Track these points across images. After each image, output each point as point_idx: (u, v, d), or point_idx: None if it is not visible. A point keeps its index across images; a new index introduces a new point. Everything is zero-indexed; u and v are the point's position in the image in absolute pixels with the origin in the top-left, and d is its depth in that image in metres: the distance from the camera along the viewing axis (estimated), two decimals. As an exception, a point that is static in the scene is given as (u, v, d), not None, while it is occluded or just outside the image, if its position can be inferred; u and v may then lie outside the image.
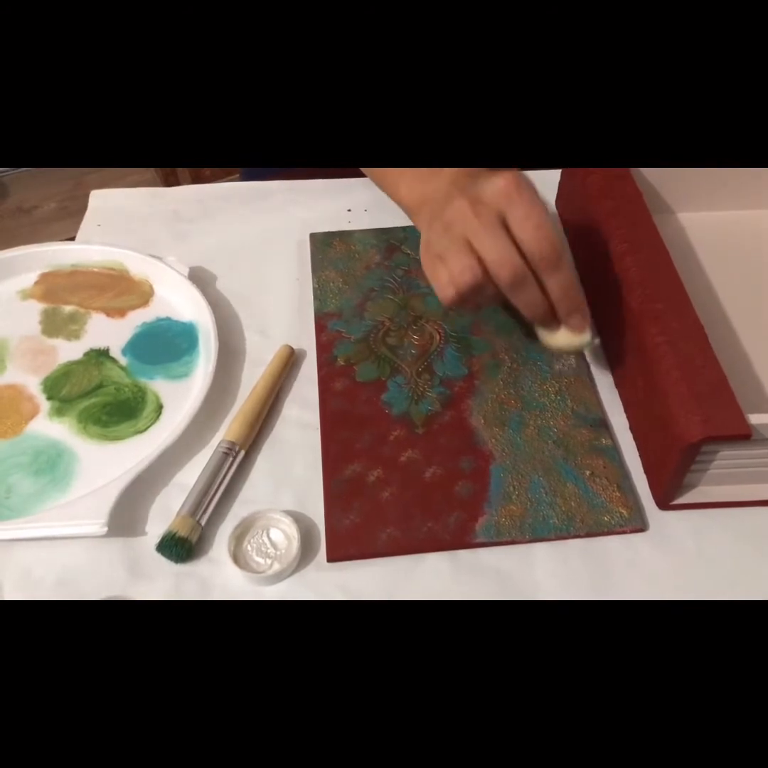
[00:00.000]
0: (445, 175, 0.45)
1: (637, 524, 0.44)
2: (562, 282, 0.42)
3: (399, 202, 0.51)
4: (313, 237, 0.60)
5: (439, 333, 0.53)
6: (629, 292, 0.46)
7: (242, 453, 0.46)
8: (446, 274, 0.42)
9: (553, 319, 0.44)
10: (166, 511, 0.45)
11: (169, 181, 1.57)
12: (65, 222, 1.50)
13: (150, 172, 1.62)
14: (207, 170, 1.52)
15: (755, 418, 0.40)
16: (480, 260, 0.41)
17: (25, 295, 0.56)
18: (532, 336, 0.50)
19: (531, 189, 0.42)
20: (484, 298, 0.43)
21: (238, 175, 0.82)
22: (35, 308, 0.55)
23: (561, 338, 0.44)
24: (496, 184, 0.41)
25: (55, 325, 0.54)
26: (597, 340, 0.45)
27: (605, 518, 0.44)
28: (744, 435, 0.39)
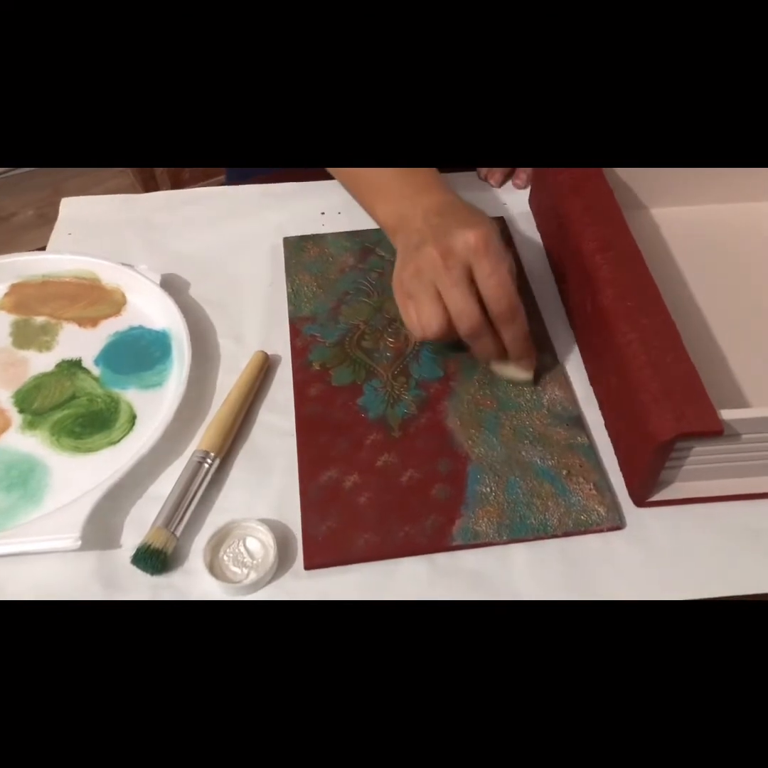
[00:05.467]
0: (421, 204, 0.48)
1: (615, 522, 0.44)
2: (515, 333, 0.46)
3: (374, 218, 0.53)
4: (287, 241, 0.60)
5: (414, 335, 0.53)
6: (601, 290, 0.46)
7: (217, 462, 0.46)
8: (415, 316, 0.46)
9: (503, 355, 0.48)
10: (140, 523, 0.44)
11: (149, 187, 1.56)
12: (43, 229, 1.48)
13: (129, 178, 1.61)
14: (186, 174, 1.51)
15: (727, 414, 0.40)
16: (445, 309, 0.45)
17: (-5, 307, 0.56)
18: None
19: (498, 244, 0.45)
20: (450, 338, 0.47)
21: (215, 180, 0.82)
22: (5, 320, 0.55)
23: (508, 370, 0.49)
24: (467, 238, 0.44)
25: (26, 336, 0.54)
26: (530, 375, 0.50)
27: (582, 517, 0.44)
28: (716, 431, 0.39)
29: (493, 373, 0.50)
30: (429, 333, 0.45)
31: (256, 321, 0.55)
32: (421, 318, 0.45)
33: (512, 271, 0.45)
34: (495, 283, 0.44)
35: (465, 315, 0.44)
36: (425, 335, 0.46)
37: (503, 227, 0.60)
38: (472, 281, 0.44)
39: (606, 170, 0.54)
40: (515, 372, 0.49)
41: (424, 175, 0.50)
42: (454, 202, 0.48)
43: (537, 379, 0.50)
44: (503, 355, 0.48)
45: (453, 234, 0.44)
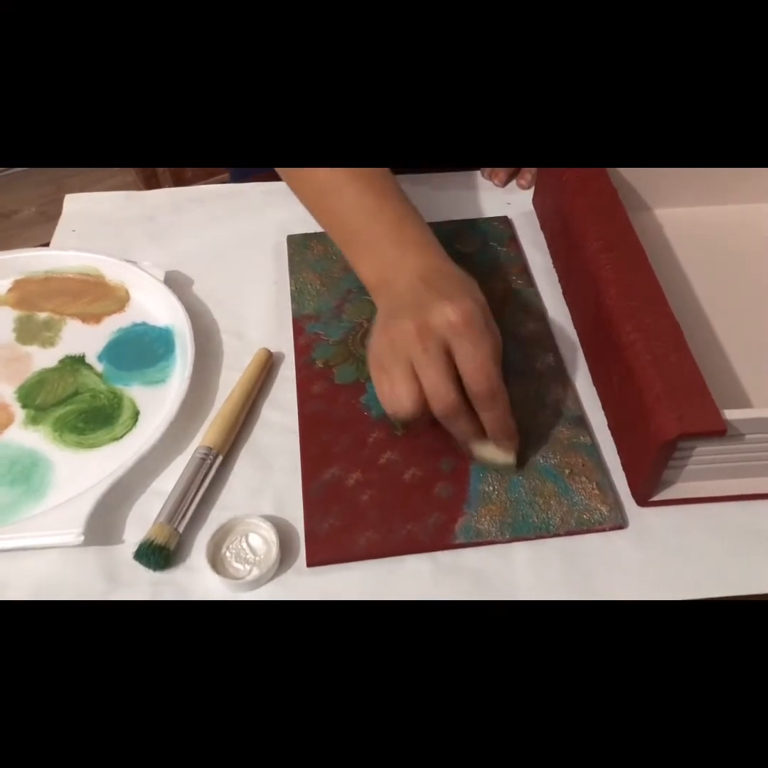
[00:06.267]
0: (406, 267, 0.45)
1: (617, 522, 0.44)
2: (495, 416, 0.43)
3: (356, 273, 0.49)
4: (291, 239, 0.60)
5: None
6: (605, 290, 0.46)
7: (220, 458, 0.46)
8: (388, 390, 0.42)
9: (483, 436, 0.44)
10: (143, 519, 0.44)
11: (151, 185, 1.56)
12: (45, 226, 1.48)
13: (131, 175, 1.61)
14: (188, 173, 1.51)
15: (730, 414, 0.40)
16: (420, 386, 0.41)
17: (-1, 302, 0.56)
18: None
19: (481, 320, 0.42)
20: (425, 416, 0.43)
21: (218, 178, 0.82)
22: (9, 315, 0.55)
23: (487, 452, 0.45)
24: (447, 313, 0.41)
25: (29, 332, 0.54)
26: (513, 459, 0.45)
27: (585, 516, 0.44)
28: (719, 431, 0.39)
29: (472, 454, 0.45)
30: (401, 412, 0.42)
31: (260, 318, 0.55)
32: (393, 395, 0.42)
33: (496, 349, 0.42)
34: (474, 365, 0.41)
35: (439, 396, 0.41)
36: (396, 413, 0.42)
37: (507, 227, 0.61)
38: (450, 358, 0.41)
39: (610, 170, 0.54)
40: (495, 454, 0.45)
41: (415, 232, 0.47)
42: (443, 267, 0.45)
43: (538, 379, 0.50)
44: (482, 436, 0.44)
45: (432, 307, 0.41)
